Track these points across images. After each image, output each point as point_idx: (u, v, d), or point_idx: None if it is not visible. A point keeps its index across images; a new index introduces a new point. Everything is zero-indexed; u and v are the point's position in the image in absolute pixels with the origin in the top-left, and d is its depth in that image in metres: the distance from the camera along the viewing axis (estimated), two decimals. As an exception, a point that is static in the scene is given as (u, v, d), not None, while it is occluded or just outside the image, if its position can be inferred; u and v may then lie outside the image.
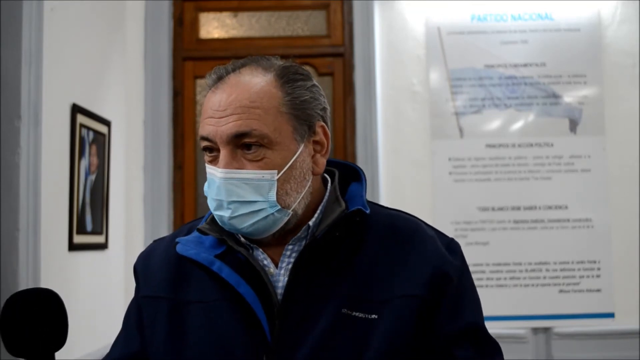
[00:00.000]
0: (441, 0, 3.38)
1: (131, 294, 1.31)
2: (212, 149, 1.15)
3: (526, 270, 3.23)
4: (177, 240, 1.23)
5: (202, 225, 1.22)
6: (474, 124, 3.32)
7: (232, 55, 3.33)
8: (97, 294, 2.69)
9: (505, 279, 3.23)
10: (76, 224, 2.53)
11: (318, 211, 1.20)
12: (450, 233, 3.50)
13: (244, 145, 1.13)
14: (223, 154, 1.13)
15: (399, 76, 3.37)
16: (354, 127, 3.35)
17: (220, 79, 1.17)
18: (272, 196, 1.13)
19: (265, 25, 3.50)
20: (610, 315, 3.21)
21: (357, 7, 3.39)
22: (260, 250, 1.19)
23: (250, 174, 1.13)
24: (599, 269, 3.24)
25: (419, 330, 1.14)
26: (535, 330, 3.22)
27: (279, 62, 1.20)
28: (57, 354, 1.21)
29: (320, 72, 3.43)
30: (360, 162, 3.30)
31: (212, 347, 1.14)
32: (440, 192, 3.28)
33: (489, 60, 3.35)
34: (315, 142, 1.20)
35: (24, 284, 2.15)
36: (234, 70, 1.17)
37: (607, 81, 3.33)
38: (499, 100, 3.34)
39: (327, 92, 3.41)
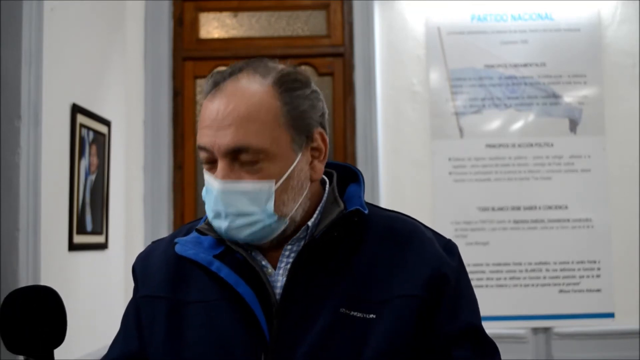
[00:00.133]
0: (441, 0, 3.38)
1: (131, 294, 1.31)
2: (210, 159, 1.15)
3: (526, 270, 3.23)
4: (175, 240, 1.24)
5: (201, 225, 1.22)
6: (474, 124, 3.32)
7: (232, 55, 3.36)
8: (97, 294, 2.69)
9: (505, 279, 3.23)
10: (76, 224, 2.53)
11: (317, 212, 1.20)
12: (450, 233, 3.52)
13: (241, 156, 1.13)
14: (221, 165, 1.13)
15: (399, 76, 3.37)
16: (354, 127, 3.35)
17: (217, 85, 1.16)
18: (270, 207, 1.13)
19: (265, 25, 3.49)
20: (610, 315, 3.21)
21: (357, 7, 3.39)
22: (258, 251, 1.20)
23: (248, 185, 1.13)
24: (599, 269, 3.24)
25: (417, 330, 1.14)
26: (535, 330, 3.22)
27: (278, 68, 1.18)
28: (57, 353, 1.21)
29: (320, 72, 3.43)
30: (360, 162, 3.30)
31: (211, 346, 1.14)
32: (440, 192, 3.28)
33: (489, 60, 3.35)
34: (313, 149, 1.19)
35: (24, 283, 2.15)
36: (231, 75, 1.16)
37: (607, 81, 3.33)
38: (499, 100, 3.34)
39: (327, 92, 3.41)
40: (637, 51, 3.32)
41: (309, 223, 1.19)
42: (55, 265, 2.36)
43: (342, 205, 1.20)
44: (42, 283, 2.21)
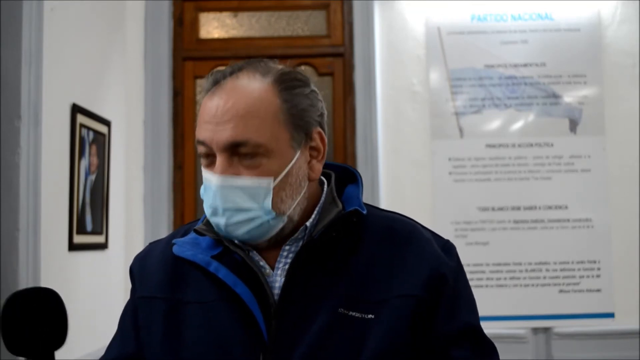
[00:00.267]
0: (441, 0, 3.38)
1: (131, 294, 1.31)
2: (209, 154, 1.15)
3: (526, 270, 3.23)
4: (173, 241, 1.24)
5: (199, 226, 1.22)
6: (474, 124, 3.32)
7: (232, 55, 3.36)
8: (97, 294, 2.69)
9: (505, 279, 3.23)
10: (76, 224, 2.53)
11: (315, 212, 1.20)
12: (450, 233, 3.52)
13: (240, 152, 1.13)
14: (219, 160, 1.13)
15: (399, 76, 3.37)
16: (354, 127, 3.35)
17: (217, 82, 1.16)
18: (268, 204, 1.13)
19: (265, 25, 3.49)
20: (610, 315, 3.21)
21: (357, 7, 3.39)
22: (256, 252, 1.20)
23: (246, 181, 1.13)
24: (599, 269, 3.24)
25: (415, 330, 1.14)
26: (535, 330, 3.22)
27: (277, 67, 1.19)
28: (57, 354, 1.21)
29: (320, 72, 3.43)
30: (360, 162, 3.30)
31: (210, 346, 1.14)
32: (440, 192, 3.28)
33: (489, 60, 3.35)
34: (312, 148, 1.20)
35: (24, 284, 2.15)
36: (231, 74, 1.17)
37: (607, 81, 3.33)
38: (499, 100, 3.34)
39: (327, 92, 3.41)
40: (637, 51, 3.32)
41: (307, 223, 1.18)
42: (55, 265, 2.36)
43: (340, 205, 1.20)
44: (42, 283, 2.21)
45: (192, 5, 3.48)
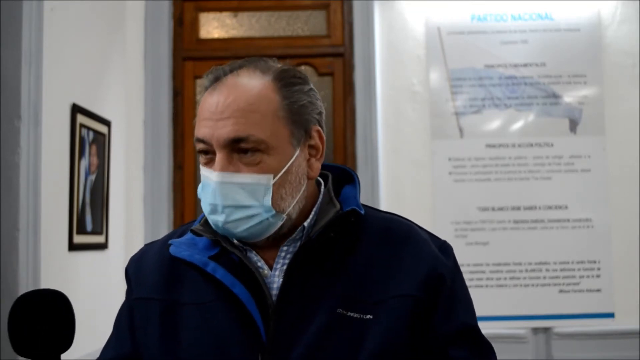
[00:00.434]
0: (441, 0, 3.38)
1: (131, 294, 1.31)
2: (208, 151, 1.15)
3: (526, 270, 3.23)
4: (170, 242, 1.23)
5: (196, 226, 1.21)
6: (474, 124, 3.32)
7: (232, 55, 3.35)
8: (97, 294, 2.69)
9: (505, 279, 3.23)
10: (76, 224, 2.53)
11: (312, 213, 1.20)
12: (450, 233, 3.52)
13: (240, 149, 1.12)
14: (219, 157, 1.12)
15: (399, 76, 3.37)
16: (354, 127, 3.35)
17: (217, 79, 1.16)
18: (268, 201, 1.13)
19: (265, 25, 3.50)
20: (610, 315, 3.21)
21: (357, 7, 3.39)
22: (254, 252, 1.19)
23: (246, 178, 1.12)
24: (599, 269, 3.24)
25: (414, 330, 1.14)
26: (535, 330, 3.22)
27: (277, 65, 1.19)
28: (57, 354, 1.21)
29: (320, 72, 3.43)
30: (360, 162, 3.30)
31: (208, 347, 1.14)
32: (440, 192, 3.28)
33: (489, 60, 3.35)
34: (311, 147, 1.19)
35: (24, 283, 2.15)
36: (231, 71, 1.17)
37: (607, 81, 3.33)
38: (499, 100, 3.34)
39: (327, 92, 3.41)
40: (637, 51, 3.32)
41: (305, 224, 1.18)
42: (55, 265, 2.36)
43: (338, 205, 1.20)
44: (42, 283, 2.21)
45: (192, 5, 3.48)
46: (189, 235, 1.23)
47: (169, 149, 3.36)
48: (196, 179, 3.40)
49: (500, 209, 3.28)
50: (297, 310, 1.13)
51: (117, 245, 2.93)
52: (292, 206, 1.16)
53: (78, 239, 2.54)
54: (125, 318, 1.24)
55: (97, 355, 1.26)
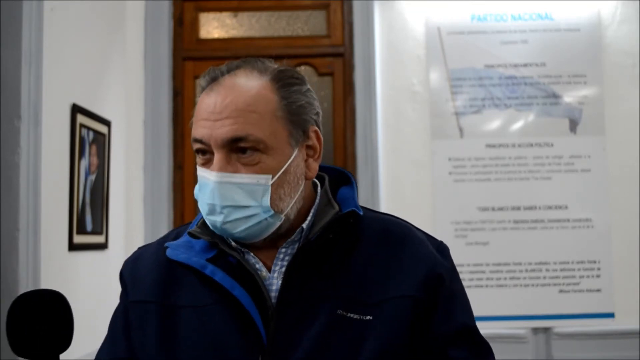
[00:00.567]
0: (441, 0, 3.38)
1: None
2: (205, 151, 1.14)
3: (526, 270, 3.23)
4: (166, 244, 1.22)
5: (193, 228, 1.20)
6: (474, 124, 3.32)
7: (232, 55, 3.34)
8: (97, 294, 2.69)
9: (505, 279, 3.23)
10: (76, 224, 2.53)
11: (310, 214, 1.20)
12: (450, 233, 3.51)
13: (238, 149, 1.12)
14: (218, 157, 1.12)
15: (399, 76, 3.37)
16: (354, 127, 3.35)
17: (214, 80, 1.16)
18: (266, 201, 1.12)
19: (265, 25, 3.50)
20: (610, 315, 3.21)
21: (357, 7, 3.39)
22: (252, 254, 1.19)
23: (245, 178, 1.12)
24: (599, 269, 3.24)
25: (413, 330, 1.14)
26: (535, 330, 3.22)
27: (274, 66, 1.19)
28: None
29: (320, 72, 3.43)
30: (360, 162, 3.30)
31: (206, 350, 1.13)
32: (440, 192, 3.28)
33: (489, 60, 3.35)
34: (308, 147, 1.19)
35: (24, 283, 2.15)
36: (228, 71, 1.16)
37: (607, 81, 3.33)
38: (499, 100, 3.34)
39: (327, 92, 3.41)
40: (637, 51, 3.32)
41: (304, 225, 1.18)
42: (55, 265, 2.36)
43: (336, 207, 1.20)
44: (42, 283, 2.21)
45: (192, 5, 3.48)
46: (185, 237, 1.22)
47: (169, 149, 3.36)
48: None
49: (500, 209, 3.28)
50: (297, 311, 1.13)
51: (117, 245, 2.93)
52: (290, 206, 1.16)
53: (78, 239, 2.54)
54: (121, 321, 1.23)
55: (97, 355, 1.26)
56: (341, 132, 3.38)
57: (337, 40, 3.45)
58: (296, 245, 1.18)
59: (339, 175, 1.29)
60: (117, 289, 1.27)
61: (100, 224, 2.77)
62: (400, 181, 3.33)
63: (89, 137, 2.65)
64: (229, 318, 1.13)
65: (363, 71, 3.36)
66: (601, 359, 3.14)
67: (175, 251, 1.20)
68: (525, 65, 3.35)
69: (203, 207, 1.15)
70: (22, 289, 2.13)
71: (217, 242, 1.17)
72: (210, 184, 1.13)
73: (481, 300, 3.12)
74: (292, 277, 1.14)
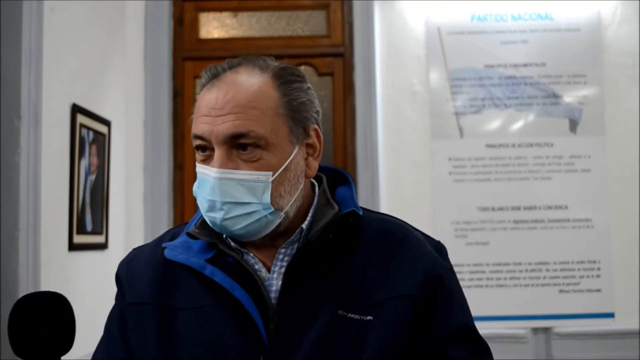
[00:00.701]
0: (441, 0, 3.38)
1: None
2: (206, 147, 1.14)
3: (526, 270, 3.23)
4: (164, 245, 1.21)
5: (192, 229, 1.20)
6: (474, 124, 3.32)
7: (232, 55, 3.33)
8: (97, 294, 2.68)
9: (505, 279, 3.22)
10: (76, 224, 2.53)
11: (310, 214, 1.20)
12: (450, 233, 3.51)
13: (239, 145, 1.11)
14: (218, 153, 1.11)
15: (399, 76, 3.37)
16: (354, 127, 3.35)
17: (215, 76, 1.16)
18: (267, 198, 1.12)
19: (265, 25, 3.50)
20: (610, 315, 3.21)
21: (357, 7, 3.39)
22: (251, 254, 1.18)
23: (245, 174, 1.11)
24: (599, 269, 3.24)
25: (414, 330, 1.14)
26: (535, 330, 3.22)
27: (275, 63, 1.19)
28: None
29: (320, 72, 3.43)
30: (360, 162, 3.30)
31: (207, 351, 1.12)
32: (440, 192, 3.28)
33: (489, 60, 3.35)
34: (308, 145, 1.19)
35: (24, 283, 2.15)
36: (230, 68, 1.16)
37: (607, 81, 3.33)
38: (499, 100, 3.34)
39: (327, 92, 3.41)
40: (637, 51, 3.32)
41: (303, 225, 1.18)
42: (55, 265, 2.36)
43: (336, 207, 1.20)
44: (42, 283, 2.21)
45: (192, 5, 3.48)
46: (182, 238, 1.21)
47: (169, 149, 3.36)
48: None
49: (500, 209, 3.28)
50: (298, 312, 1.13)
51: (117, 245, 2.93)
52: (290, 204, 1.15)
53: (78, 239, 2.54)
54: (117, 323, 1.22)
55: (97, 355, 1.26)
56: (341, 132, 3.38)
57: (337, 40, 3.45)
58: (295, 246, 1.18)
59: (336, 175, 1.29)
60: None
61: (100, 224, 2.77)
62: (400, 181, 3.33)
63: (89, 137, 2.65)
64: (228, 319, 1.13)
65: (363, 71, 3.36)
66: (601, 359, 3.14)
67: (174, 252, 1.19)
68: (525, 65, 3.35)
69: (202, 204, 1.14)
70: (22, 289, 2.13)
71: (216, 243, 1.17)
72: (210, 180, 1.12)
73: (481, 300, 3.12)
74: (292, 278, 1.14)
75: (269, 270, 1.18)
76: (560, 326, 3.21)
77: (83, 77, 2.65)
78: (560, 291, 3.23)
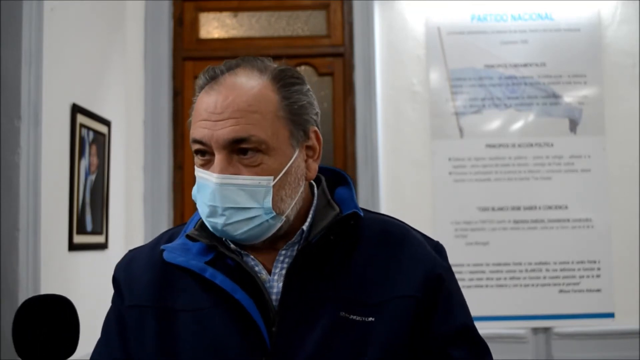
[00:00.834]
0: (441, 0, 3.38)
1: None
2: (205, 152, 1.12)
3: (526, 270, 3.23)
4: (162, 247, 1.20)
5: (191, 231, 1.18)
6: (474, 124, 3.32)
7: (232, 55, 3.33)
8: (97, 294, 2.68)
9: (505, 279, 3.23)
10: (76, 224, 2.53)
11: (310, 216, 1.19)
12: (450, 233, 3.51)
13: (240, 150, 1.10)
14: (219, 158, 1.10)
15: (399, 76, 3.37)
16: (354, 127, 3.35)
17: (214, 79, 1.14)
18: (268, 202, 1.11)
19: (265, 25, 3.49)
20: (610, 315, 3.21)
21: (357, 7, 3.39)
22: (251, 256, 1.18)
23: (246, 179, 1.10)
24: (599, 269, 3.24)
25: (415, 331, 1.14)
26: (535, 330, 3.22)
27: (274, 65, 1.18)
28: (57, 355, 1.21)
29: (320, 72, 3.43)
30: (360, 162, 3.30)
31: (207, 354, 1.12)
32: (440, 192, 3.28)
33: (489, 60, 3.35)
34: (308, 147, 1.18)
35: (24, 283, 2.15)
36: (228, 70, 1.15)
37: (607, 81, 3.33)
38: (499, 100, 3.34)
39: (327, 92, 3.41)
40: (637, 51, 3.32)
41: (304, 227, 1.17)
42: (55, 265, 2.36)
43: (337, 208, 1.19)
44: (42, 283, 2.21)
45: (192, 5, 3.48)
46: (181, 240, 1.20)
47: (169, 149, 3.36)
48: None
49: (500, 209, 3.28)
50: (300, 314, 1.12)
51: (117, 245, 2.93)
52: (291, 207, 1.15)
53: (78, 239, 2.54)
54: (115, 325, 1.20)
55: (97, 355, 1.25)
56: (341, 132, 3.38)
57: (337, 40, 3.45)
58: (296, 247, 1.17)
59: (334, 176, 1.28)
60: (117, 289, 1.27)
61: (100, 224, 2.77)
62: (400, 181, 3.33)
63: (89, 137, 2.65)
64: (229, 321, 1.12)
65: (363, 71, 3.36)
66: (601, 359, 3.14)
67: (172, 254, 1.18)
68: (525, 65, 3.35)
69: (203, 209, 1.13)
70: (22, 289, 2.13)
71: (216, 245, 1.16)
72: (211, 186, 1.11)
73: (481, 300, 3.12)
74: (292, 280, 1.14)
75: (269, 272, 1.17)
76: (560, 326, 3.21)
77: (83, 77, 2.65)
78: (560, 291, 3.23)
